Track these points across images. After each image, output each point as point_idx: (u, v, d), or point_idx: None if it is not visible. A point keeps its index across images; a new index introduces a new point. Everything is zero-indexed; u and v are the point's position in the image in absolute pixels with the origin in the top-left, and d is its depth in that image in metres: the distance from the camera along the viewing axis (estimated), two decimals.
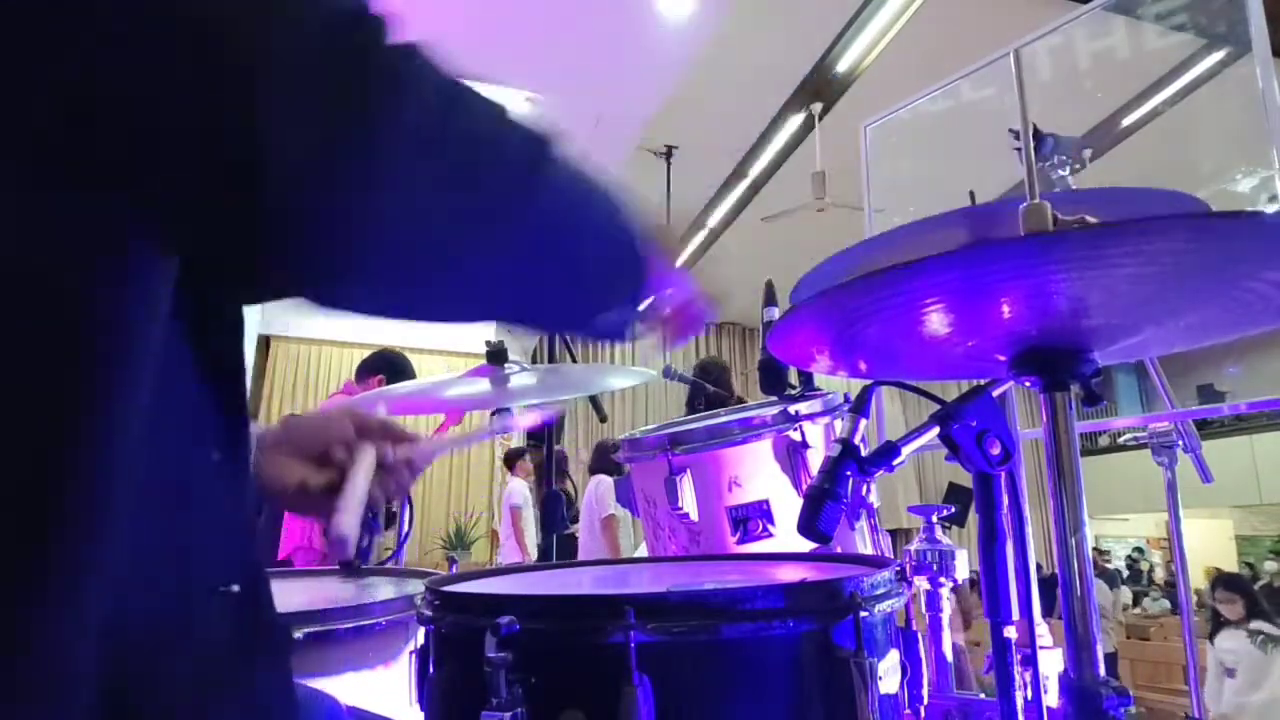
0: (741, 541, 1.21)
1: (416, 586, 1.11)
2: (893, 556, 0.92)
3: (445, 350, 6.90)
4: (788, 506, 1.20)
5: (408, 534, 1.59)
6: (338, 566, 1.43)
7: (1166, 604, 8.97)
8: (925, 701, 0.78)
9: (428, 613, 0.71)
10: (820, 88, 5.13)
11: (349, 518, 0.64)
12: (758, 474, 1.22)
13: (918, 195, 3.02)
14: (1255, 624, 4.16)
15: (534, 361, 2.18)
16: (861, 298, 0.59)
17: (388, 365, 3.14)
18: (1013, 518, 0.72)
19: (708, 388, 2.61)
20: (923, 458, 8.07)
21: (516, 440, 6.43)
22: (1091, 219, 0.58)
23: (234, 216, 0.40)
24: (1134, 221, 0.47)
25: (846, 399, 1.22)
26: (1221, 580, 4.53)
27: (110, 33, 0.36)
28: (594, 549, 4.16)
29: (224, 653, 0.46)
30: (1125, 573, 10.67)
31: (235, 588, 0.47)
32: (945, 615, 0.97)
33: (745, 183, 6.40)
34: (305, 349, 6.76)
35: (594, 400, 2.22)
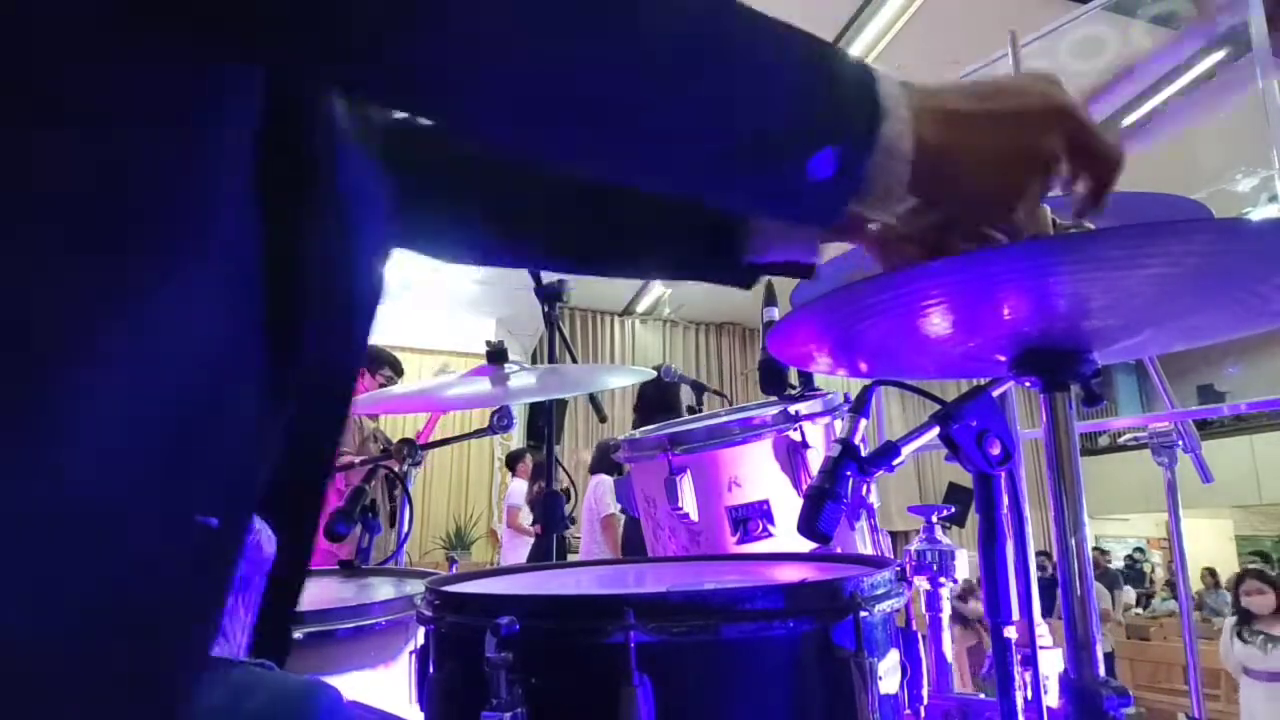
0: (741, 541, 1.21)
1: (416, 586, 1.11)
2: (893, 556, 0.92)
3: (445, 350, 6.91)
4: (788, 506, 1.20)
5: (408, 534, 1.59)
6: (337, 566, 1.43)
7: (1170, 604, 8.98)
8: (925, 701, 0.78)
9: (428, 613, 0.71)
10: None
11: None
12: (758, 474, 1.22)
13: None
14: (1267, 625, 4.16)
15: (534, 362, 2.18)
16: (862, 299, 0.59)
17: (390, 361, 3.16)
18: (1013, 518, 0.72)
19: (707, 387, 2.61)
20: (923, 458, 8.08)
21: (517, 441, 6.44)
22: (1089, 224, 0.58)
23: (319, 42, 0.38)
24: (1127, 228, 0.47)
25: (846, 399, 1.22)
26: (1251, 572, 4.51)
27: None
28: (594, 549, 4.16)
29: (170, 589, 0.44)
30: (1125, 573, 10.66)
31: (214, 523, 0.45)
32: (945, 615, 0.98)
33: None
34: None
35: (594, 400, 2.22)
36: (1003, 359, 0.71)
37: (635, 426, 1.23)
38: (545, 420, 2.09)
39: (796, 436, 1.20)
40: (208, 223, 0.44)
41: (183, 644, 0.45)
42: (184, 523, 0.44)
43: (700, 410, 2.31)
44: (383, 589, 1.23)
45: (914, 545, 0.97)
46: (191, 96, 0.42)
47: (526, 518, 5.37)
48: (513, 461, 5.95)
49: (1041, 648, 0.73)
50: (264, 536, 0.81)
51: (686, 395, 2.61)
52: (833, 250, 0.95)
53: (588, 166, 0.53)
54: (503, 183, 0.73)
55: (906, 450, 0.76)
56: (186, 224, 0.42)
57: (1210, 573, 9.50)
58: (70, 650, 0.38)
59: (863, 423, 0.80)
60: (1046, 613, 3.70)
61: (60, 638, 0.37)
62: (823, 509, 0.73)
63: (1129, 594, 9.30)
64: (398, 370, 3.09)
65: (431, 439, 1.76)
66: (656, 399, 1.07)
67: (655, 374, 1.90)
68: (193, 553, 0.45)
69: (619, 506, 4.08)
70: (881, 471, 0.76)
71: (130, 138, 0.40)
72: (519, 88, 0.41)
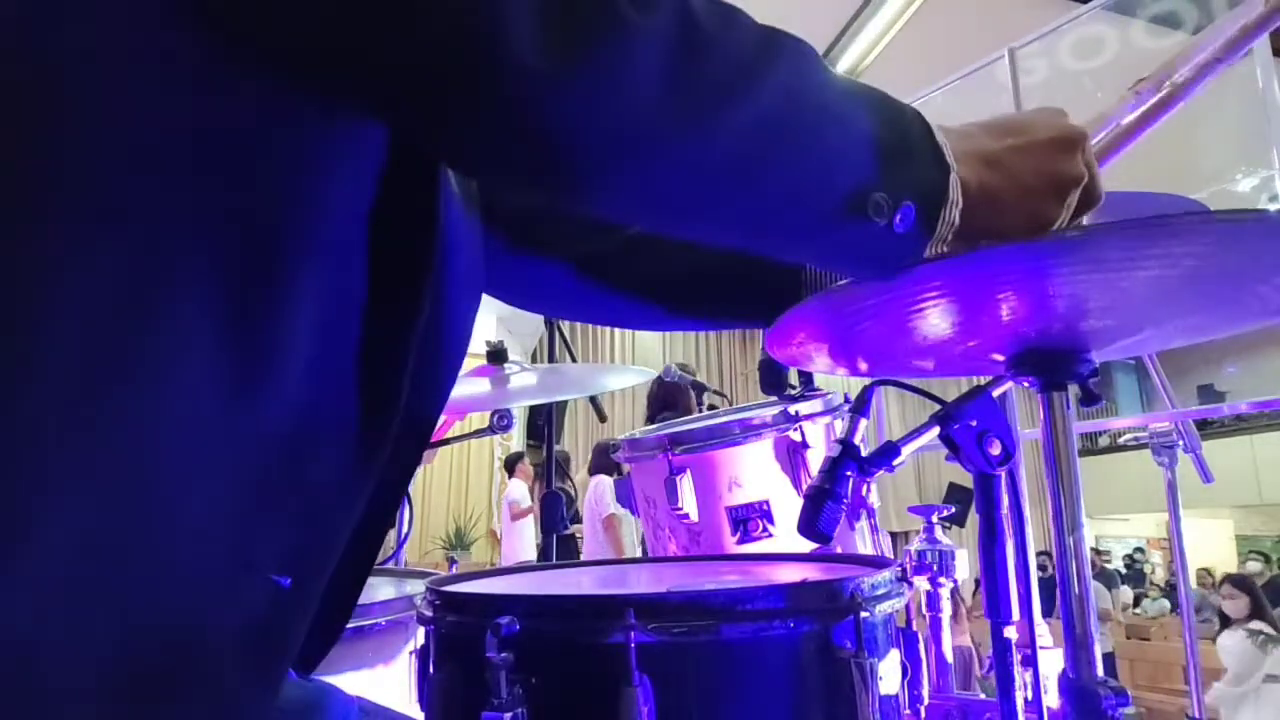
0: (741, 541, 1.21)
1: (416, 586, 1.11)
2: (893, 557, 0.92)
3: None
4: (788, 506, 1.20)
5: (408, 534, 1.59)
6: None
7: (1166, 604, 8.97)
8: (925, 702, 0.78)
9: (428, 613, 0.71)
10: None
11: None
12: (758, 474, 1.22)
13: None
14: (1255, 624, 4.18)
15: (533, 361, 2.18)
16: (861, 298, 0.59)
17: None
18: (1013, 518, 0.72)
19: (707, 387, 2.61)
20: (923, 458, 8.08)
21: (517, 443, 6.44)
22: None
23: (462, 109, 0.38)
24: (1127, 223, 0.47)
25: (846, 399, 1.22)
26: (1227, 578, 4.56)
27: None
28: (597, 549, 4.17)
29: (230, 641, 0.42)
30: (1123, 572, 10.66)
31: (286, 582, 0.44)
32: (945, 615, 0.98)
33: None
34: None
35: (594, 400, 2.22)
36: (1001, 359, 0.71)
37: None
38: (545, 420, 2.09)
39: (796, 436, 1.20)
40: (318, 267, 0.43)
41: (238, 690, 0.44)
42: (253, 577, 0.43)
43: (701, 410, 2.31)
44: (383, 589, 1.23)
45: (914, 545, 0.97)
46: (319, 138, 0.42)
47: (529, 519, 5.37)
48: (511, 464, 5.96)
49: (1041, 648, 0.73)
50: None
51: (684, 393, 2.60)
52: None
53: (700, 232, 0.53)
54: (594, 237, 0.75)
55: (906, 450, 0.76)
56: (298, 267, 0.42)
57: (1207, 573, 9.50)
58: (111, 687, 0.37)
59: (863, 423, 0.80)
60: (1047, 613, 3.70)
61: (92, 659, 0.36)
62: (823, 509, 0.73)
63: (1126, 594, 9.30)
64: None
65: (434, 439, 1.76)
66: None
67: (655, 374, 1.90)
68: (261, 609, 0.43)
69: (618, 506, 4.08)
70: (881, 471, 0.76)
71: (252, 177, 0.40)
72: (650, 183, 0.43)
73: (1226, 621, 4.34)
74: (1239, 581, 4.49)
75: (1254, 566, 8.84)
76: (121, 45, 0.36)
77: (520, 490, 5.57)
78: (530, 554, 5.15)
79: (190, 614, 0.40)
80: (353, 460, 0.48)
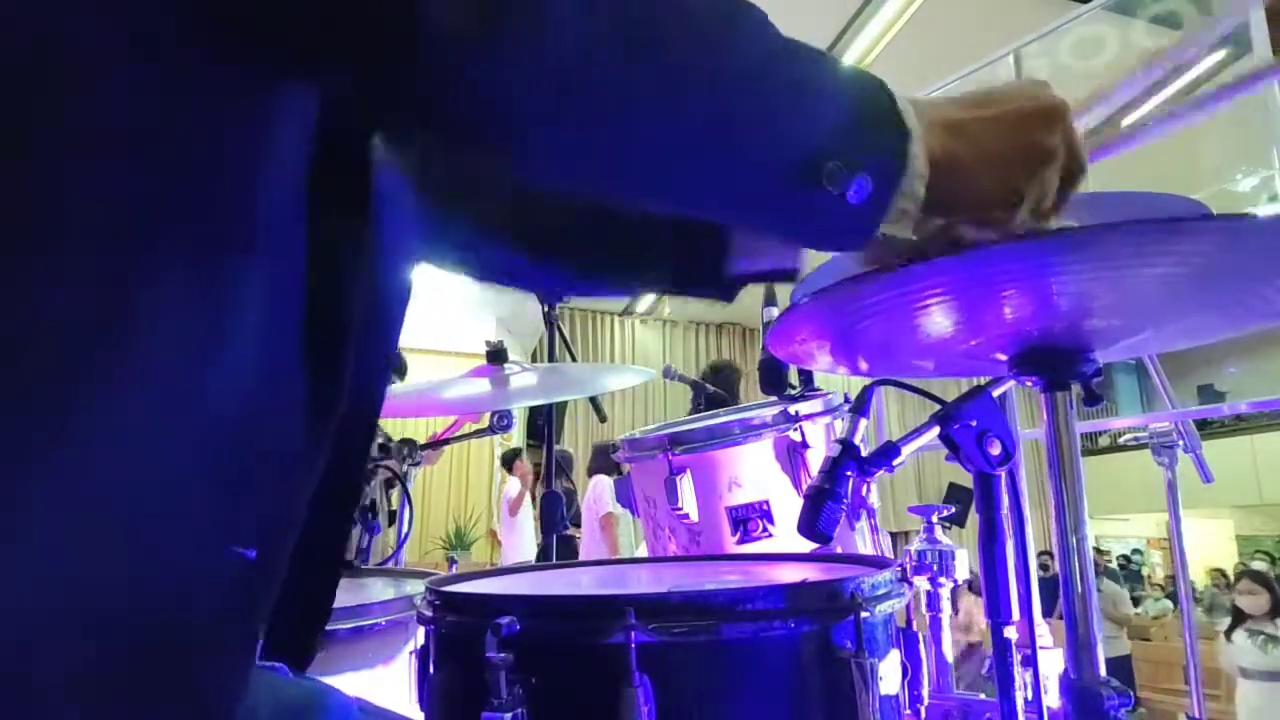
0: (741, 541, 1.21)
1: (416, 586, 1.11)
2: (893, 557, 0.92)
3: (445, 350, 6.90)
4: (788, 506, 1.19)
5: (408, 534, 1.59)
6: None
7: (1168, 605, 8.96)
8: (925, 702, 0.78)
9: (428, 613, 0.71)
10: None
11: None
12: (758, 474, 1.21)
13: None
14: (1263, 624, 4.16)
15: (533, 361, 2.18)
16: (862, 297, 0.59)
17: (397, 369, 3.15)
18: (1013, 518, 0.72)
19: (707, 387, 2.61)
20: (923, 458, 8.07)
21: (516, 440, 6.44)
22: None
23: (390, 76, 0.38)
24: (1137, 224, 0.47)
25: (846, 399, 1.22)
26: (1245, 573, 4.50)
27: None
28: (595, 550, 4.17)
29: (201, 616, 0.42)
30: (1120, 572, 10.64)
31: (250, 554, 0.44)
32: (945, 615, 0.97)
33: None
34: None
35: (594, 401, 2.22)
36: (1003, 358, 0.71)
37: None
38: (545, 420, 2.09)
39: (796, 436, 1.20)
40: (268, 235, 0.43)
41: (214, 670, 0.43)
42: (219, 551, 0.42)
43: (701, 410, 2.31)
44: (382, 589, 1.22)
45: (914, 545, 0.96)
46: (260, 109, 0.42)
47: (528, 516, 5.38)
48: (509, 461, 5.96)
49: (1041, 648, 0.73)
50: None
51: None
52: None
53: (646, 198, 0.53)
54: (525, 201, 0.74)
55: (906, 450, 0.76)
56: (249, 238, 0.42)
57: (1221, 573, 9.48)
58: (84, 663, 0.36)
59: (863, 423, 0.80)
60: (1048, 613, 3.70)
61: (76, 648, 0.36)
62: (823, 509, 0.73)
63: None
64: (402, 373, 3.09)
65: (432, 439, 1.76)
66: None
67: (656, 375, 1.89)
68: (227, 583, 0.43)
69: (618, 505, 4.08)
70: (881, 471, 0.76)
71: (184, 142, 0.39)
72: (589, 141, 0.42)
73: (1239, 619, 4.28)
74: (1258, 576, 4.43)
75: (1260, 566, 8.83)
76: (95, 27, 0.36)
77: (516, 487, 5.58)
78: (531, 552, 5.15)
79: (165, 597, 0.40)
80: (305, 429, 0.48)
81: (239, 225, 0.42)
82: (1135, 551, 12.64)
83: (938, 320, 0.63)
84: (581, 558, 4.01)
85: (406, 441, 1.61)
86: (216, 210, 0.41)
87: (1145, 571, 11.88)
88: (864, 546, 1.24)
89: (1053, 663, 0.74)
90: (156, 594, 0.39)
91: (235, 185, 0.42)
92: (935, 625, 0.98)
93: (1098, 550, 9.53)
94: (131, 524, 0.38)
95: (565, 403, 6.74)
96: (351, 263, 0.51)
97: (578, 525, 4.57)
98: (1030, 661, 0.72)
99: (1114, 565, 10.36)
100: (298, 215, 0.46)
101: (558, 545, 2.09)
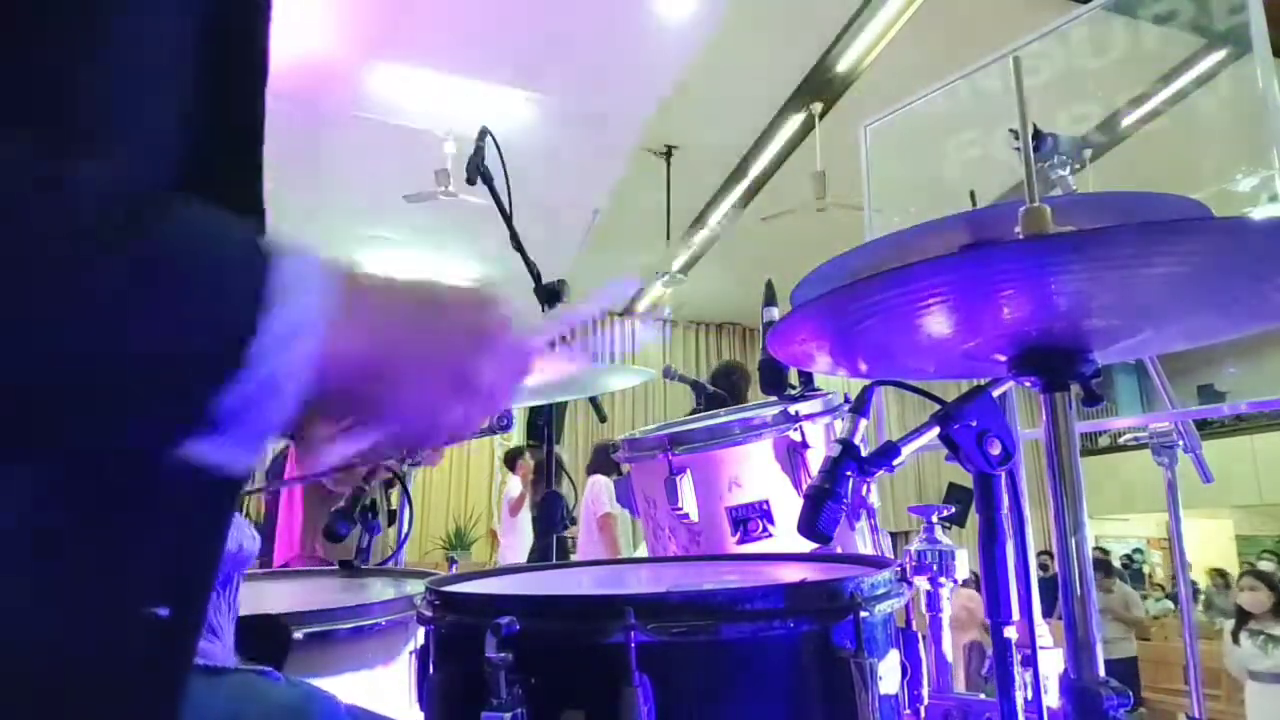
0: (741, 541, 1.21)
1: (416, 586, 1.11)
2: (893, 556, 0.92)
3: None
4: (788, 506, 1.19)
5: (408, 534, 1.59)
6: (337, 567, 1.43)
7: (1169, 604, 8.95)
8: (925, 702, 0.78)
9: (428, 613, 0.71)
10: (820, 88, 5.13)
11: None
12: (758, 474, 1.21)
13: (918, 195, 3.02)
14: (1264, 624, 4.16)
15: None
16: (862, 299, 0.59)
17: None
18: (1013, 518, 0.72)
19: (707, 387, 2.61)
20: (923, 458, 8.07)
21: (516, 440, 6.44)
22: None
23: None
24: (1139, 226, 0.47)
25: (846, 399, 1.22)
26: (1250, 571, 4.49)
27: None
28: (592, 550, 4.16)
29: (128, 686, 0.40)
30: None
31: (163, 612, 0.40)
32: (945, 615, 0.98)
33: (745, 183, 6.40)
34: None
35: (594, 401, 2.21)
36: (1002, 359, 0.71)
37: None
38: (545, 420, 2.09)
39: (796, 436, 1.20)
40: None
41: None
42: (126, 613, 0.40)
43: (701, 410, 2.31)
44: (383, 589, 1.23)
45: (914, 545, 0.97)
46: None
47: (526, 516, 5.38)
48: (511, 460, 5.96)
49: (1041, 648, 0.73)
50: (245, 536, 0.81)
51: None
52: (833, 249, 0.95)
53: None
54: None
55: (906, 450, 0.76)
56: None
57: (1220, 574, 9.47)
58: None
59: (863, 423, 0.80)
60: (1048, 613, 3.70)
61: None
62: (823, 509, 0.73)
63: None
64: None
65: None
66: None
67: (656, 375, 1.89)
68: (143, 643, 0.41)
69: (616, 506, 4.08)
70: (881, 471, 0.76)
71: None
72: None
73: (1243, 619, 4.27)
74: (1260, 574, 4.43)
75: (1267, 566, 8.82)
76: None
77: (518, 487, 5.59)
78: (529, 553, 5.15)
79: (67, 659, 0.38)
80: (207, 482, 0.41)
81: None
82: (1136, 551, 12.63)
83: (937, 321, 0.63)
84: (579, 558, 4.01)
85: None
86: None
87: (1146, 570, 11.87)
88: (864, 546, 1.24)
89: (1053, 663, 0.74)
90: (60, 660, 0.37)
91: None
92: (935, 625, 0.98)
93: (1104, 551, 9.52)
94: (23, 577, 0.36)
95: (565, 403, 6.74)
96: None
97: (573, 523, 4.57)
98: (1030, 661, 0.72)
99: (1117, 565, 10.36)
100: None
101: (545, 546, 2.09)
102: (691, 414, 2.15)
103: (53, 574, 0.37)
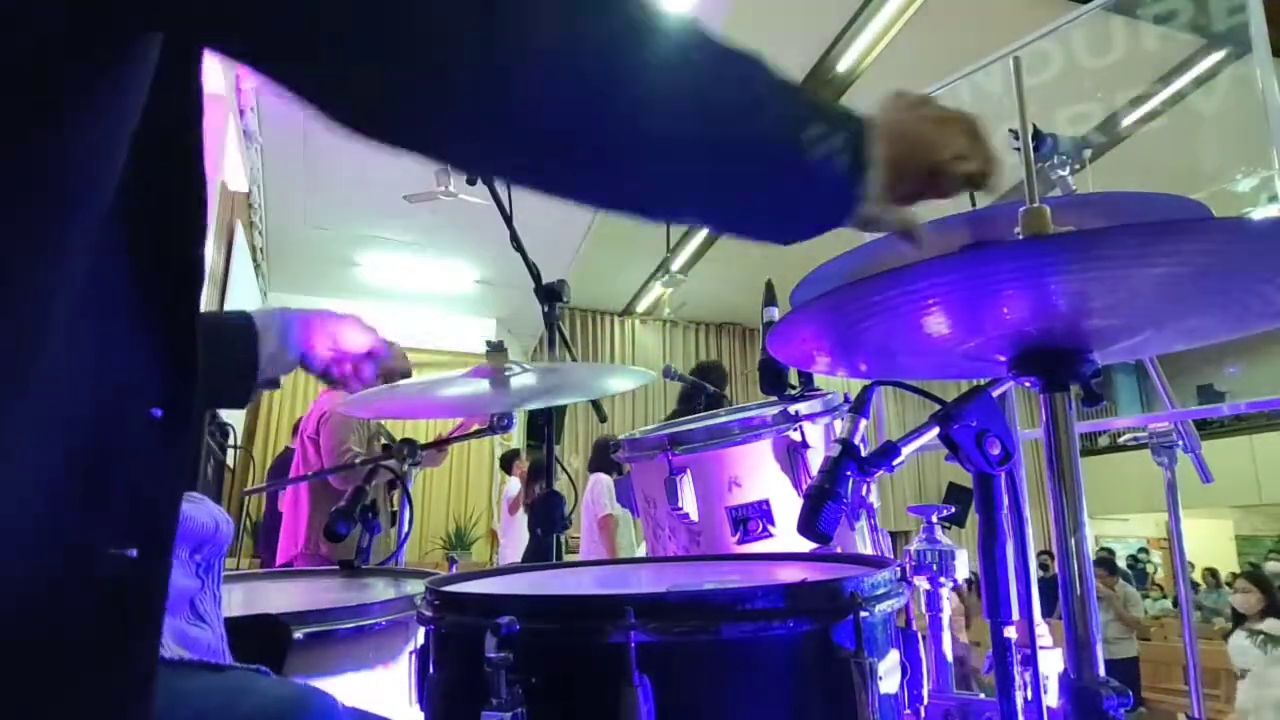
0: (741, 541, 1.21)
1: (416, 586, 1.11)
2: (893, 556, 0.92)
3: (445, 350, 6.91)
4: (788, 506, 1.19)
5: (408, 534, 1.59)
6: (338, 567, 1.43)
7: (1169, 604, 8.95)
8: (925, 702, 0.78)
9: (428, 613, 0.71)
10: (820, 88, 5.14)
11: None
12: (758, 474, 1.22)
13: None
14: (1268, 622, 4.18)
15: (533, 361, 2.18)
16: (862, 299, 0.59)
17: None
18: (1013, 518, 0.72)
19: (707, 387, 2.61)
20: (923, 458, 8.07)
21: (515, 441, 6.46)
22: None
23: None
24: (1138, 226, 0.47)
25: (846, 399, 1.22)
26: (1243, 574, 4.54)
27: None
28: (593, 549, 4.16)
29: (91, 624, 0.41)
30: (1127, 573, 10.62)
31: (132, 553, 0.42)
32: (945, 615, 0.98)
33: None
34: None
35: (594, 402, 2.21)
36: (1002, 359, 0.71)
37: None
38: (545, 420, 2.09)
39: (796, 436, 1.20)
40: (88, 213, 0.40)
41: (105, 671, 0.42)
42: (93, 554, 0.41)
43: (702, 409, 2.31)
44: (383, 589, 1.23)
45: (914, 545, 0.97)
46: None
47: (522, 516, 5.39)
48: (507, 462, 5.97)
49: (1041, 648, 0.73)
50: (220, 515, 0.81)
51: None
52: (833, 250, 0.95)
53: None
54: None
55: (906, 450, 0.76)
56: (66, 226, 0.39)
57: (1211, 573, 9.47)
58: None
59: (863, 423, 0.80)
60: (1048, 613, 3.70)
61: None
62: (823, 509, 0.73)
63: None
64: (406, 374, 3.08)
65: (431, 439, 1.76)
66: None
67: (656, 375, 1.89)
68: (112, 584, 0.42)
69: (617, 506, 4.07)
70: (881, 471, 0.76)
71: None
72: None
73: (1240, 620, 4.32)
74: (1251, 575, 4.47)
75: (1274, 566, 8.81)
76: None
77: (516, 487, 5.60)
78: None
79: (35, 599, 0.39)
80: (169, 423, 0.45)
81: (64, 206, 0.39)
82: (1141, 550, 12.62)
83: (937, 321, 0.63)
84: (580, 558, 4.00)
85: (407, 442, 1.61)
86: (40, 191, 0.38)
87: (1149, 569, 11.86)
88: (864, 546, 1.24)
89: (1052, 663, 0.74)
90: (23, 596, 0.38)
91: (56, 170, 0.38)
92: (935, 625, 0.98)
93: (1109, 551, 9.52)
94: None
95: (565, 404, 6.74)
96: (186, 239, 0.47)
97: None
98: (1030, 661, 0.72)
99: (1122, 566, 10.35)
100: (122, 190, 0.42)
101: (536, 548, 2.09)
102: (670, 416, 2.14)
103: (32, 509, 0.39)
